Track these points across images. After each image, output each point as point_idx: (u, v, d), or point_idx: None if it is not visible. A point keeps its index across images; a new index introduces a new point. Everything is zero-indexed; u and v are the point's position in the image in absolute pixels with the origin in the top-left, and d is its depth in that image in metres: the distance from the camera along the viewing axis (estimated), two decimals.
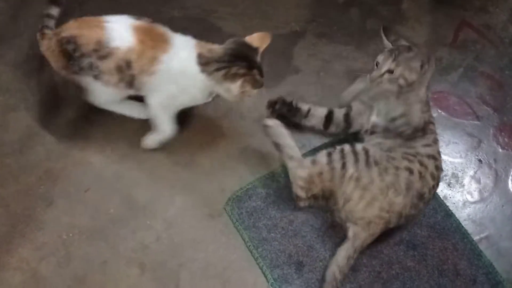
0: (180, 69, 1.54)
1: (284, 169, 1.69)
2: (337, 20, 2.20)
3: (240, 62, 1.51)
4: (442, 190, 1.77)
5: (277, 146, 1.62)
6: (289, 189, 1.66)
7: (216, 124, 1.87)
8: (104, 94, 1.62)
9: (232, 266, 1.57)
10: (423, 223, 1.66)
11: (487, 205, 1.77)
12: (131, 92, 1.63)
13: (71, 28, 1.52)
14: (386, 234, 1.60)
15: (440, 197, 1.73)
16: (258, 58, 1.56)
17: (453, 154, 1.88)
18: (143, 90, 1.60)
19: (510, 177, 1.85)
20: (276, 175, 1.74)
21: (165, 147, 1.75)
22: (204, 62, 1.52)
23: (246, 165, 1.77)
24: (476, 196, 1.80)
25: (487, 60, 2.10)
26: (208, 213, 1.67)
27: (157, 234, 1.61)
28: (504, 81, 2.03)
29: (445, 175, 1.81)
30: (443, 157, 1.75)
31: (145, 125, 1.71)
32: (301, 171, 1.57)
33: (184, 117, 1.77)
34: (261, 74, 1.56)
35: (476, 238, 1.67)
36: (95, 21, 1.52)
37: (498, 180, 1.84)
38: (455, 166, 1.85)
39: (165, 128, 1.69)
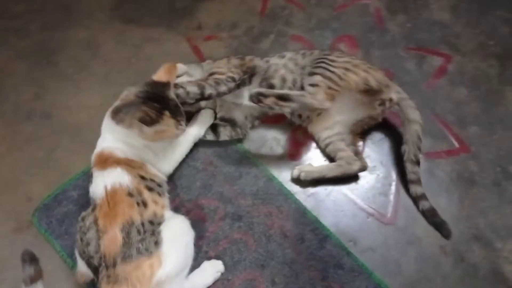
0: None
1: None
2: (144, 3, 2.11)
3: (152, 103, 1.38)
4: (266, 155, 1.74)
5: None
6: None
7: (16, 129, 1.71)
8: None
9: (48, 278, 1.41)
10: (246, 192, 1.63)
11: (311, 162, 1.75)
12: None
13: None
14: (213, 211, 1.57)
15: (262, 163, 1.71)
16: (171, 94, 1.44)
17: (271, 120, 1.83)
18: None
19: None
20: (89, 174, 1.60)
21: None
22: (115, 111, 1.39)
23: (55, 169, 1.64)
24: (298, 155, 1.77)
25: (296, 24, 2.12)
26: (14, 227, 1.52)
27: None
28: (315, 41, 2.06)
29: (266, 141, 1.78)
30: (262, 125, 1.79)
31: None
32: None
33: None
34: (175, 112, 1.41)
35: (302, 197, 1.65)
36: None
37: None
38: (276, 131, 1.81)
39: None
